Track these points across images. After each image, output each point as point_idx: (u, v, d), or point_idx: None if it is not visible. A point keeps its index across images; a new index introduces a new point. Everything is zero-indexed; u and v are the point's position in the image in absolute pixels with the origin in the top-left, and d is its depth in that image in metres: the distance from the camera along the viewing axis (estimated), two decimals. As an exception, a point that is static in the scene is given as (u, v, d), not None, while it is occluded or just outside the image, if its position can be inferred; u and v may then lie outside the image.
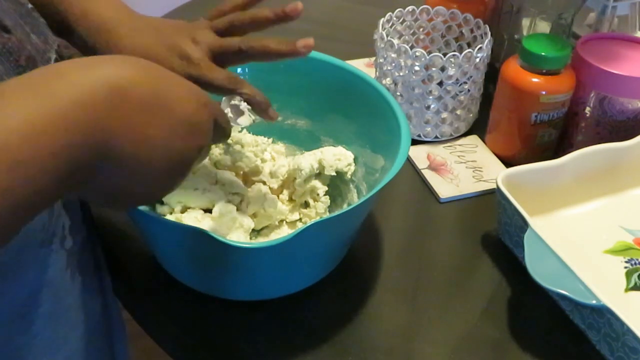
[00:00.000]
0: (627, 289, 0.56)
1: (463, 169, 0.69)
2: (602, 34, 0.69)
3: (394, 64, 0.68)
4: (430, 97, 0.69)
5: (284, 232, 0.59)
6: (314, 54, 0.61)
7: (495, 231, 0.61)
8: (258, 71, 0.62)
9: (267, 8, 0.50)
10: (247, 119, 0.49)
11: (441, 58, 0.65)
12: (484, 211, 0.64)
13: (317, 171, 0.58)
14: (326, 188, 0.59)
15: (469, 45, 0.75)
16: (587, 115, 0.67)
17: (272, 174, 0.60)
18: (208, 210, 0.57)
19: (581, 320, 0.52)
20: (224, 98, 0.50)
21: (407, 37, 0.77)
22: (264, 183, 0.60)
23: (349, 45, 0.89)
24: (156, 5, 1.17)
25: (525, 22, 0.77)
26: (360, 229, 0.57)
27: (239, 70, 0.62)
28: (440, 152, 0.71)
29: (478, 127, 0.74)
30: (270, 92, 0.63)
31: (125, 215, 0.57)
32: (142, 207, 0.48)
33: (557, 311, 0.54)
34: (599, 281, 0.53)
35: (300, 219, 0.60)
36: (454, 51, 0.74)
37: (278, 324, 0.52)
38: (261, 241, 0.56)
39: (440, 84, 0.68)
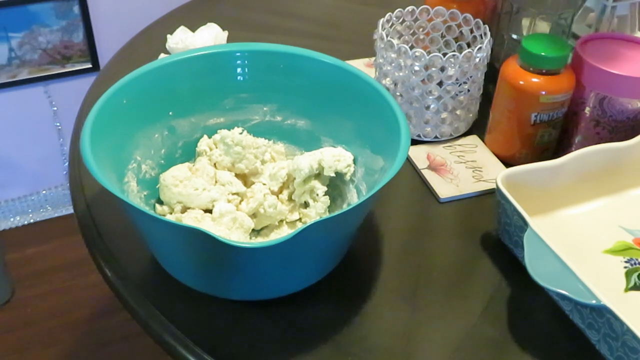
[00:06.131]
0: (627, 289, 0.56)
1: (463, 169, 0.69)
2: (601, 34, 0.69)
3: (393, 64, 0.68)
4: (430, 97, 0.69)
5: (283, 232, 0.59)
6: (314, 54, 0.62)
7: (495, 231, 0.61)
8: (258, 72, 0.62)
9: None
10: None
11: (441, 58, 0.65)
12: (484, 211, 0.64)
13: (317, 172, 0.58)
14: (325, 188, 0.59)
15: (468, 45, 0.75)
16: (587, 115, 0.67)
17: (272, 177, 0.60)
18: (208, 210, 0.57)
19: (581, 320, 0.52)
20: None
21: (407, 37, 0.77)
22: (264, 184, 0.60)
23: (349, 45, 0.89)
24: (156, 5, 1.17)
25: (525, 22, 0.77)
26: (360, 229, 0.57)
27: (238, 70, 0.62)
28: (440, 152, 0.71)
29: (478, 127, 0.74)
30: (270, 92, 0.63)
31: (125, 215, 0.57)
32: (142, 207, 0.48)
33: (557, 311, 0.54)
34: (599, 281, 0.53)
35: (300, 219, 0.60)
36: (454, 51, 0.74)
37: (278, 324, 0.52)
38: (261, 241, 0.56)
39: (440, 84, 0.68)
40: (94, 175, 0.47)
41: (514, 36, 0.78)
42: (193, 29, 0.84)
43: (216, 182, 0.59)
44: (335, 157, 0.58)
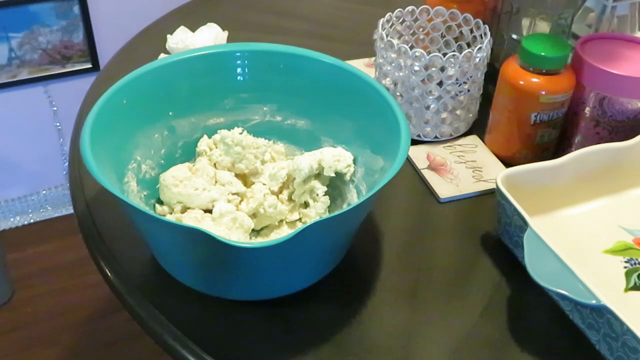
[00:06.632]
0: (627, 289, 0.56)
1: (463, 169, 0.69)
2: (601, 34, 0.69)
3: (393, 64, 0.68)
4: (430, 97, 0.69)
5: (283, 232, 0.59)
6: (314, 54, 0.62)
7: (495, 231, 0.61)
8: (258, 72, 0.62)
9: None
10: None
11: (441, 58, 0.65)
12: (484, 211, 0.64)
13: (317, 172, 0.58)
14: (325, 188, 0.59)
15: (468, 45, 0.75)
16: (587, 115, 0.67)
17: (272, 177, 0.60)
18: (208, 210, 0.57)
19: (581, 320, 0.52)
20: None
21: (406, 37, 0.77)
22: (264, 184, 0.60)
23: (349, 45, 0.89)
24: (156, 5, 1.17)
25: (525, 22, 0.77)
26: (360, 229, 0.57)
27: (238, 70, 0.62)
28: (440, 152, 0.71)
29: (478, 127, 0.74)
30: (270, 92, 0.63)
31: (125, 215, 0.57)
32: (142, 207, 0.48)
33: (557, 311, 0.54)
34: (599, 281, 0.53)
35: (300, 219, 0.60)
36: (454, 51, 0.74)
37: (278, 324, 0.52)
38: (261, 241, 0.56)
39: (440, 84, 0.68)
40: (94, 175, 0.47)
41: (514, 36, 0.78)
42: (193, 29, 0.84)
43: (216, 182, 0.59)
44: (335, 157, 0.58)
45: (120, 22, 1.43)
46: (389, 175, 0.49)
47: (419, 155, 0.70)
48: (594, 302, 0.47)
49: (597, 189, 0.64)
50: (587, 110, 0.66)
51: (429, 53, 0.66)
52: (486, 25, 0.71)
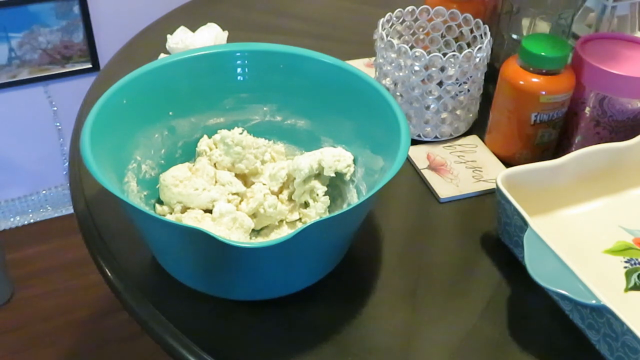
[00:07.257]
0: (627, 289, 0.56)
1: (463, 169, 0.69)
2: (601, 34, 0.69)
3: (393, 64, 0.68)
4: (430, 97, 0.69)
5: (283, 232, 0.59)
6: (314, 54, 0.62)
7: (495, 231, 0.61)
8: (258, 72, 0.62)
9: None
10: None
11: (441, 58, 0.65)
12: (484, 211, 0.64)
13: (317, 172, 0.58)
14: (325, 188, 0.59)
15: (468, 45, 0.75)
16: (587, 115, 0.67)
17: (272, 177, 0.60)
18: (208, 210, 0.57)
19: (581, 320, 0.52)
20: None
21: (407, 37, 0.77)
22: (264, 184, 0.60)
23: (349, 45, 0.89)
24: (156, 5, 1.17)
25: (525, 22, 0.77)
26: (360, 229, 0.57)
27: (238, 70, 0.62)
28: (440, 152, 0.71)
29: (478, 127, 0.74)
30: (270, 92, 0.63)
31: (125, 215, 0.57)
32: (142, 207, 0.48)
33: (557, 311, 0.54)
34: (599, 281, 0.53)
35: (300, 219, 0.60)
36: (454, 51, 0.74)
37: (278, 324, 0.52)
38: (261, 241, 0.56)
39: (440, 84, 0.68)
40: (94, 175, 0.47)
41: (514, 36, 0.78)
42: (193, 29, 0.84)
43: (216, 182, 0.59)
44: (335, 157, 0.58)
45: (120, 22, 1.44)
46: (389, 175, 0.49)
47: (419, 155, 0.70)
48: (594, 302, 0.47)
49: (597, 189, 0.64)
50: (587, 110, 0.66)
51: (429, 53, 0.66)
52: (486, 25, 0.71)
